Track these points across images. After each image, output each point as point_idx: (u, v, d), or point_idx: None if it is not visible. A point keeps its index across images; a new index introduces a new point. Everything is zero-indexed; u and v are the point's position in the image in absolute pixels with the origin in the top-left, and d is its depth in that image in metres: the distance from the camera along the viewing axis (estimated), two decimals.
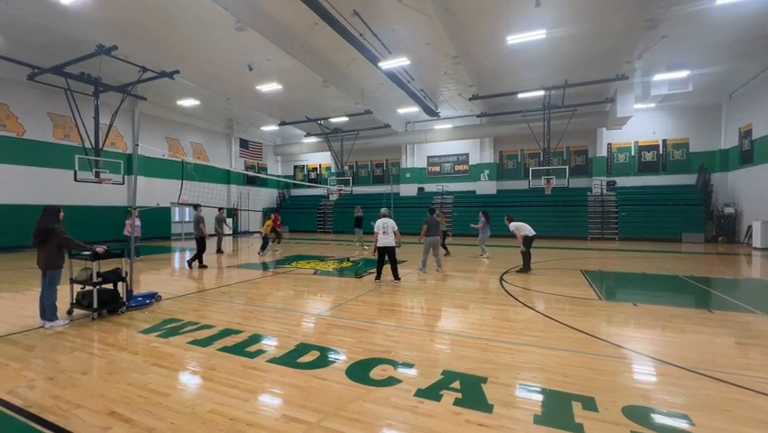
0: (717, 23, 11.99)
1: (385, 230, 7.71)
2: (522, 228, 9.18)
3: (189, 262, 10.00)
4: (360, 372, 3.51)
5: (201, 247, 10.07)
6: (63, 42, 12.44)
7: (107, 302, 5.42)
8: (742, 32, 12.39)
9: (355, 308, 5.94)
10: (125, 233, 11.31)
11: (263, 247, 13.13)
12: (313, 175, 29.01)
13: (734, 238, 16.70)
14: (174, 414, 2.79)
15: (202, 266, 9.98)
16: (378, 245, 7.78)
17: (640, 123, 19.08)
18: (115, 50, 11.60)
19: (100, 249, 5.20)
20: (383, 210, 8.24)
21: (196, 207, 10.54)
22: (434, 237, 8.88)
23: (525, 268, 9.02)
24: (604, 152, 20.44)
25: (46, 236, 4.88)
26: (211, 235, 13.95)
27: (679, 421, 2.68)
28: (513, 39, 11.54)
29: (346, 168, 22.95)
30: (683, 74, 14.56)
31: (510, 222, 9.52)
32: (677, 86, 15.36)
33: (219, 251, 13.51)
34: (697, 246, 15.55)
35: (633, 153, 20.11)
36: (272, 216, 14.35)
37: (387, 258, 7.90)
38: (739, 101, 16.71)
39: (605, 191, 19.91)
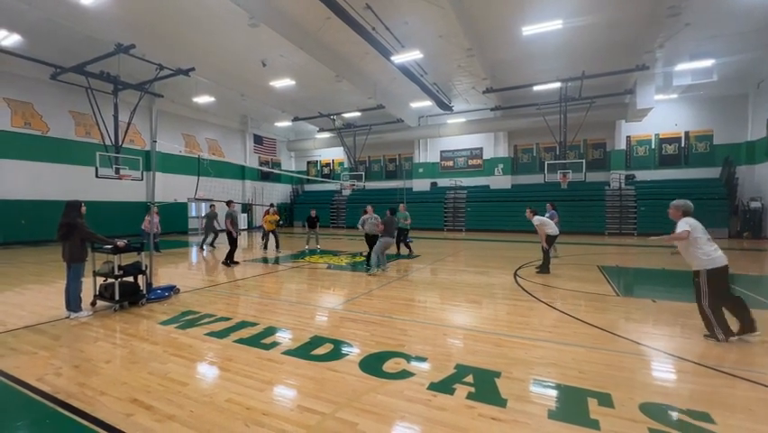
0: (743, 9, 11.48)
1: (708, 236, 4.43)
2: (547, 225, 8.44)
3: (225, 262, 9.64)
4: (373, 364, 3.54)
5: (232, 243, 9.71)
6: (83, 42, 12.77)
7: (128, 294, 5.59)
8: None
9: (368, 302, 5.97)
10: (143, 227, 11.55)
11: (277, 244, 12.45)
12: (326, 170, 29.16)
13: (760, 233, 16.08)
14: (193, 402, 2.87)
15: (233, 263, 9.65)
16: (710, 266, 4.02)
17: (661, 114, 18.44)
18: (133, 49, 11.86)
19: (121, 243, 5.35)
20: (689, 203, 4.64)
21: (228, 203, 10.30)
22: (389, 239, 8.45)
23: (545, 268, 8.34)
24: (623, 146, 19.90)
25: (69, 231, 5.05)
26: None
27: (699, 419, 2.61)
28: (528, 30, 11.31)
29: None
30: (708, 63, 14.00)
31: (534, 215, 8.60)
32: (701, 75, 14.77)
33: (202, 247, 13.27)
34: (721, 242, 14.84)
35: (653, 146, 19.52)
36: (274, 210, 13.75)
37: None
38: None
39: (623, 185, 19.40)
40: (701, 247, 3.99)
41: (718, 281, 3.95)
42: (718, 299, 3.99)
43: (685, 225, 4.12)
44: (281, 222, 12.91)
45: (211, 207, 13.94)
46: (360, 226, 9.41)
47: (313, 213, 13.43)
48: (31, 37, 12.61)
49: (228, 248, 9.72)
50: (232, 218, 9.79)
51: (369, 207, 9.58)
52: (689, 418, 2.64)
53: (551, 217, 9.84)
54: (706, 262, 3.96)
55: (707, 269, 3.96)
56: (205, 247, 13.23)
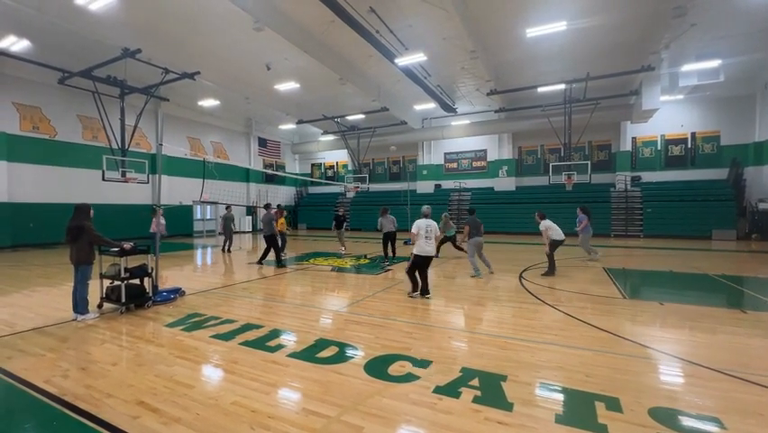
0: (750, 9, 11.38)
1: (428, 234, 6.26)
2: (552, 229, 8.39)
3: (278, 263, 9.74)
4: (378, 367, 3.53)
5: (276, 245, 9.87)
6: (91, 47, 12.92)
7: (134, 297, 5.63)
8: None
9: (373, 304, 5.96)
10: (152, 230, 11.58)
11: (282, 247, 11.83)
12: (330, 173, 29.21)
13: None
14: (199, 405, 2.88)
15: (281, 266, 9.65)
16: (416, 252, 6.27)
17: (667, 115, 18.32)
18: (139, 53, 11.98)
19: (127, 245, 5.39)
20: (425, 208, 6.67)
21: (266, 207, 10.25)
22: (478, 238, 8.60)
23: (551, 271, 8.36)
24: (628, 147, 19.75)
25: (78, 233, 5.10)
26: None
27: (709, 425, 2.58)
28: (532, 31, 11.28)
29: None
30: (714, 63, 13.88)
31: (542, 219, 8.52)
32: (707, 76, 14.67)
33: (228, 250, 13.12)
34: (728, 244, 14.87)
35: (659, 147, 19.36)
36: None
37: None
38: None
39: (629, 187, 19.27)
40: (420, 240, 6.26)
41: (421, 263, 6.34)
42: (418, 271, 6.40)
43: (415, 227, 6.33)
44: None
45: (227, 208, 14.00)
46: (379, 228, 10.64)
47: (340, 211, 13.74)
48: (39, 42, 12.78)
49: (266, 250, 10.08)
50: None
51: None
52: (699, 423, 2.61)
53: (580, 221, 10.16)
54: (419, 250, 6.25)
55: (416, 254, 6.26)
56: (231, 251, 13.37)
